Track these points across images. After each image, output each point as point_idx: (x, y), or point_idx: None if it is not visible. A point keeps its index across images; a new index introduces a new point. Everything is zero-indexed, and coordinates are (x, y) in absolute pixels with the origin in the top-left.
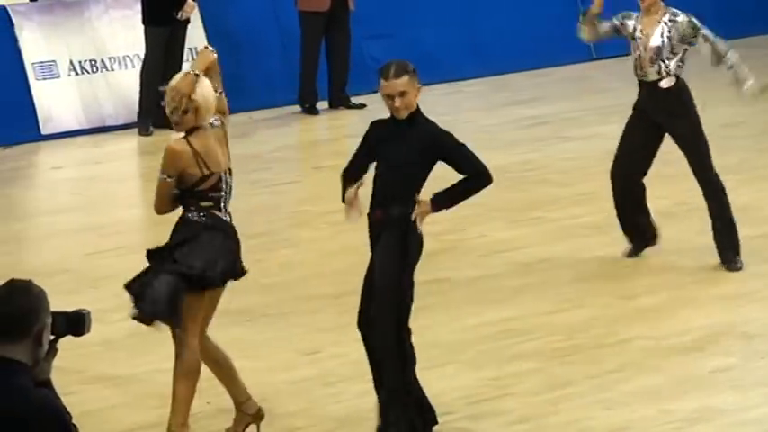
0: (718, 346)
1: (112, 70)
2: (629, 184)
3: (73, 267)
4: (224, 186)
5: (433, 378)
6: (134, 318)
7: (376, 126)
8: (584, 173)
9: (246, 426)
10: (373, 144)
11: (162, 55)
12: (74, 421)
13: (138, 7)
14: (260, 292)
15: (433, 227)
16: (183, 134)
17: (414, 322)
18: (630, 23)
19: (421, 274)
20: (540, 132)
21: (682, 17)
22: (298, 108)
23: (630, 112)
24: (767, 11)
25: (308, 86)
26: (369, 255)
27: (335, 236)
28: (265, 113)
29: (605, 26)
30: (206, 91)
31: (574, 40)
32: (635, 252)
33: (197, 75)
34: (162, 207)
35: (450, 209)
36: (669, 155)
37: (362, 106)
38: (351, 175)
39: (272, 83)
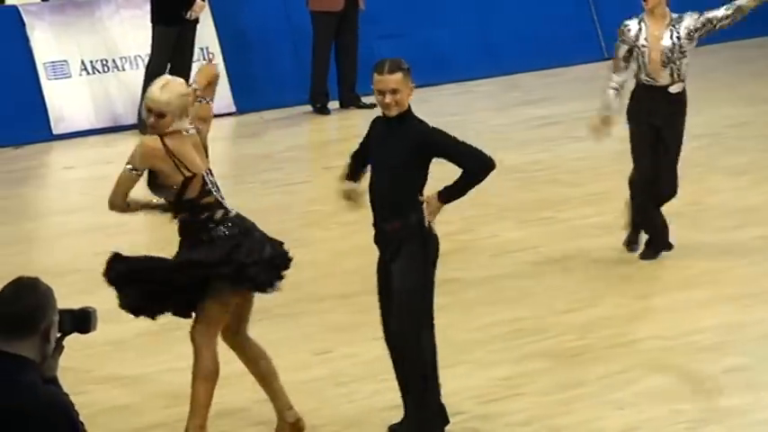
0: (730, 347)
1: (124, 70)
2: (650, 189)
3: (84, 267)
4: (211, 186)
5: (444, 378)
6: None
7: (375, 123)
8: (594, 173)
9: None
10: (371, 141)
11: (169, 55)
12: (83, 420)
13: (149, 7)
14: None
15: (444, 227)
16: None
17: None
18: (632, 33)
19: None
20: (550, 132)
21: (685, 16)
22: (309, 108)
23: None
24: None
25: (319, 86)
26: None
27: (347, 236)
28: (276, 113)
29: (620, 69)
30: (180, 96)
31: (585, 39)
32: (654, 254)
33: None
34: (116, 200)
35: (461, 205)
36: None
37: (373, 106)
38: (356, 161)
39: (283, 83)
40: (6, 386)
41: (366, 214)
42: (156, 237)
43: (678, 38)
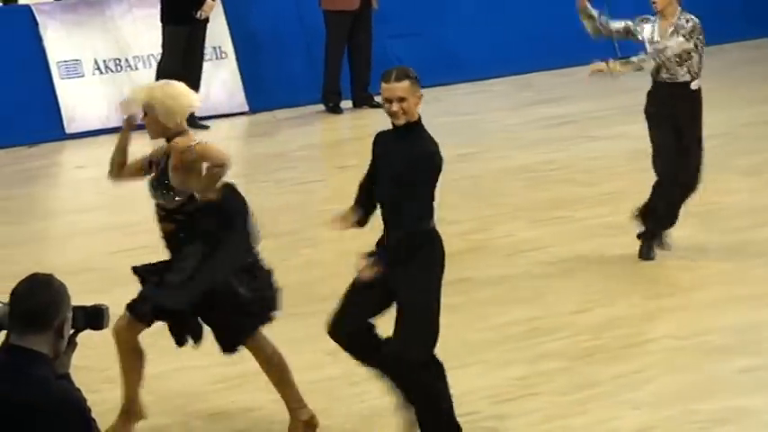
0: (744, 346)
1: (137, 69)
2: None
3: (97, 266)
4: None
5: (459, 377)
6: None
7: (379, 138)
8: (608, 172)
9: None
10: (376, 158)
11: (180, 55)
12: (96, 418)
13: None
14: (284, 292)
15: (458, 226)
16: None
17: (441, 321)
18: (648, 27)
19: (447, 273)
20: (564, 132)
21: (690, 23)
22: (321, 107)
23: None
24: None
25: (332, 85)
26: None
27: (359, 235)
28: (289, 112)
29: (616, 25)
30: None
31: (599, 39)
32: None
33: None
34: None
35: (476, 205)
36: None
37: None
38: (364, 194)
39: (296, 82)
40: (19, 380)
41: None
42: None
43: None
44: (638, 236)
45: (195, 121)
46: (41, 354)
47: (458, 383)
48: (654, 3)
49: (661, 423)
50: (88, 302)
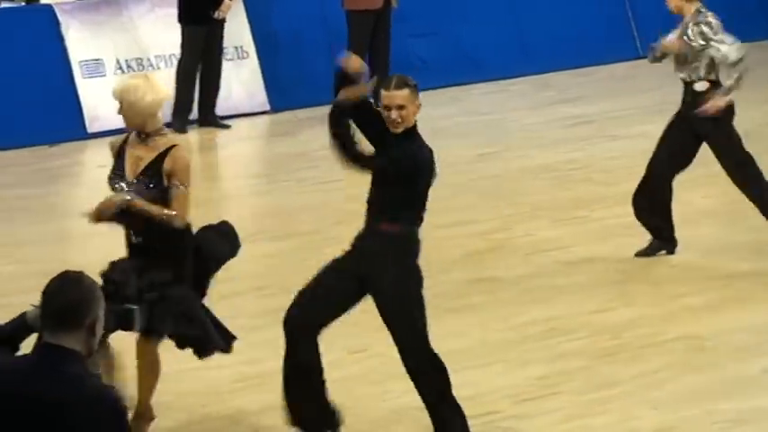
0: (765, 347)
1: (158, 68)
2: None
3: None
4: None
5: (479, 376)
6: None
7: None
8: (628, 172)
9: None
10: (381, 137)
11: (199, 54)
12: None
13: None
14: None
15: (479, 225)
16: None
17: (461, 321)
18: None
19: (467, 272)
20: (584, 131)
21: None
22: None
23: (675, 111)
24: None
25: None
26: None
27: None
28: (310, 112)
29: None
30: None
31: (620, 38)
32: (649, 251)
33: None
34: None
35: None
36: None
37: None
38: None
39: (317, 81)
40: (53, 378)
41: None
42: None
43: (688, 38)
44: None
45: (216, 121)
46: (74, 351)
47: (478, 383)
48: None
49: (680, 423)
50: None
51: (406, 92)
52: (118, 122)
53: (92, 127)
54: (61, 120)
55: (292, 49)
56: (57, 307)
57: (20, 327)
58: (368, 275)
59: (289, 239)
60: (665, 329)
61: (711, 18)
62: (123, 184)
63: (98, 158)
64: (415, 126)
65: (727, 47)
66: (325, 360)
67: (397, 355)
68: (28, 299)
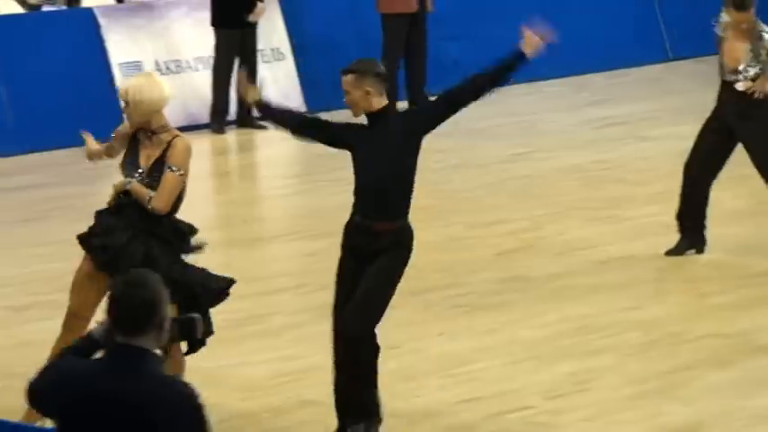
0: None
1: (197, 70)
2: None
3: None
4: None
5: (512, 373)
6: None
7: (354, 128)
8: (660, 172)
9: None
10: (348, 137)
11: (232, 57)
12: None
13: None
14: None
15: (511, 225)
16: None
17: (493, 318)
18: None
19: (499, 271)
20: (616, 132)
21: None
22: None
23: (706, 112)
24: None
25: (389, 87)
26: (449, 252)
27: (415, 234)
28: (346, 113)
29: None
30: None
31: (650, 41)
32: (678, 250)
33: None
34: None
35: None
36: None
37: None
38: (303, 119)
39: None
40: (129, 377)
41: (436, 215)
42: (227, 234)
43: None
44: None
45: (254, 122)
46: (147, 350)
47: (511, 379)
48: None
49: (710, 419)
50: None
51: (349, 77)
52: None
53: None
54: (101, 121)
55: (328, 50)
56: (128, 310)
57: (89, 344)
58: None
59: (326, 238)
60: (695, 327)
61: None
62: (137, 175)
63: None
64: (386, 107)
65: None
66: None
67: (431, 351)
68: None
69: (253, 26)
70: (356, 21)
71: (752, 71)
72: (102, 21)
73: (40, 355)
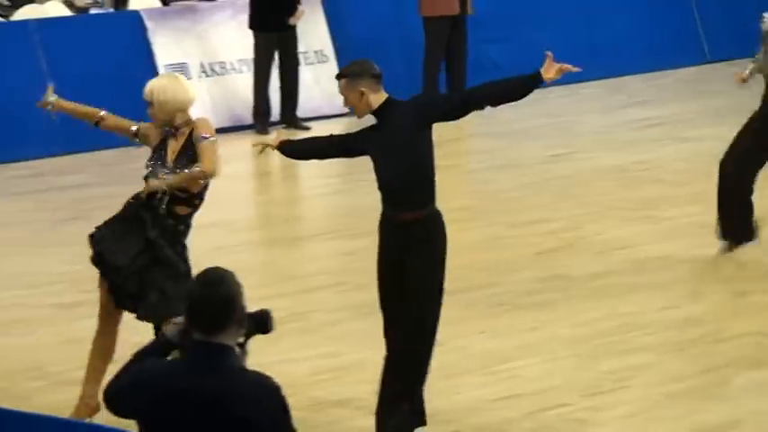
0: None
1: (241, 72)
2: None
3: (201, 263)
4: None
5: (553, 370)
6: None
7: (364, 133)
8: (697, 173)
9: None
10: (359, 141)
11: (271, 60)
12: None
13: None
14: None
15: (550, 224)
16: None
17: (533, 317)
18: None
19: (539, 270)
20: (654, 133)
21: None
22: None
23: (743, 113)
24: None
25: (431, 88)
26: (490, 251)
27: (454, 233)
28: None
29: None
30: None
31: (688, 43)
32: (731, 247)
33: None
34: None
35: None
36: None
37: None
38: (323, 142)
39: (395, 85)
40: (211, 374)
41: (477, 215)
42: (270, 233)
43: None
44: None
45: (297, 122)
46: (227, 346)
47: (551, 377)
48: None
49: (747, 416)
50: None
51: (342, 81)
52: None
53: None
54: (147, 121)
55: (370, 53)
56: (207, 310)
57: (163, 345)
58: None
59: (365, 237)
60: (733, 326)
61: None
62: (165, 170)
63: None
64: (386, 101)
65: None
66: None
67: (473, 349)
68: None
69: (292, 29)
70: (398, 23)
71: None
72: (148, 23)
73: (87, 352)
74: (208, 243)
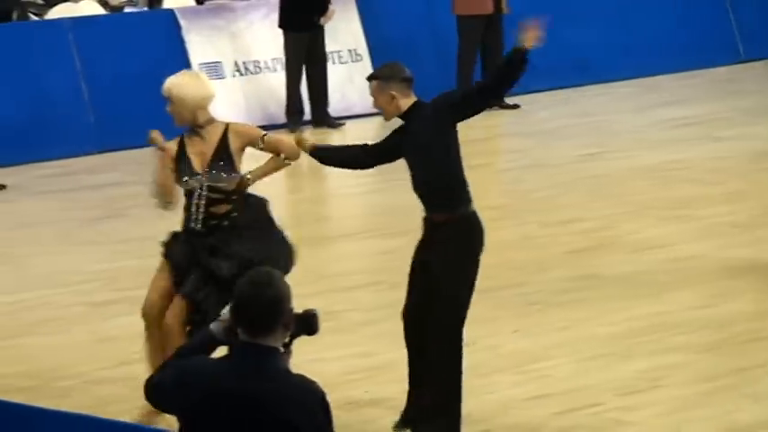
0: None
1: (275, 71)
2: None
3: None
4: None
5: (585, 370)
6: None
7: (395, 133)
8: (732, 172)
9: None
10: (394, 143)
11: (302, 59)
12: None
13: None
14: None
15: (584, 224)
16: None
17: (567, 316)
18: None
19: (573, 269)
20: (689, 132)
21: None
22: None
23: None
24: None
25: (464, 88)
26: (522, 250)
27: (487, 232)
28: None
29: None
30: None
31: (722, 42)
32: None
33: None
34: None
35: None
36: None
37: (516, 107)
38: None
39: (428, 83)
40: (256, 375)
41: (510, 214)
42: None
43: None
44: None
45: (330, 120)
46: (273, 348)
47: (583, 376)
48: None
49: None
50: None
51: (374, 83)
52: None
53: None
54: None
55: (404, 52)
56: (253, 312)
57: (208, 341)
58: None
59: (401, 236)
60: (767, 325)
61: None
62: (199, 177)
63: None
64: (414, 104)
65: None
66: None
67: (505, 348)
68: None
69: (321, 28)
70: (431, 22)
71: None
72: (182, 22)
73: (120, 351)
74: None
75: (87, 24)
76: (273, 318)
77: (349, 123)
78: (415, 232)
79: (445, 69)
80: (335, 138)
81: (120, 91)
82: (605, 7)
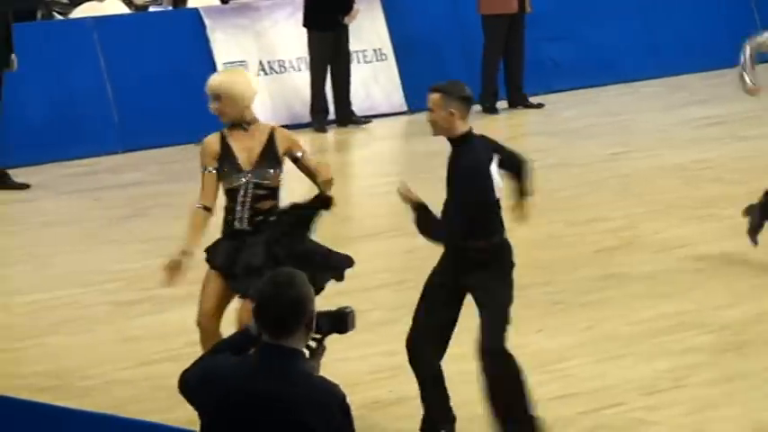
0: None
1: (299, 70)
2: None
3: None
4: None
5: (609, 369)
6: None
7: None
8: (759, 172)
9: None
10: None
11: (326, 58)
12: None
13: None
14: None
15: (609, 223)
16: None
17: (591, 315)
18: None
19: (597, 268)
20: (715, 132)
21: None
22: (478, 107)
23: None
24: None
25: (489, 87)
26: (548, 249)
27: (513, 230)
28: None
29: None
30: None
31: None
32: None
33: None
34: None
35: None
36: None
37: (540, 106)
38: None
39: None
40: (278, 376)
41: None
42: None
43: None
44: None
45: (354, 118)
46: (296, 350)
47: (608, 375)
48: None
49: None
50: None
51: (435, 96)
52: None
53: None
54: (207, 119)
55: (429, 51)
56: (275, 313)
57: (245, 339)
58: None
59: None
60: None
61: None
62: (246, 173)
63: None
64: (466, 136)
65: None
66: (457, 353)
67: (528, 348)
68: (173, 292)
69: (345, 27)
70: (457, 22)
71: None
72: (207, 21)
73: (144, 351)
74: None
75: (112, 24)
76: (295, 318)
77: (373, 123)
78: None
79: (470, 69)
80: (360, 136)
81: (145, 90)
82: (630, 6)
